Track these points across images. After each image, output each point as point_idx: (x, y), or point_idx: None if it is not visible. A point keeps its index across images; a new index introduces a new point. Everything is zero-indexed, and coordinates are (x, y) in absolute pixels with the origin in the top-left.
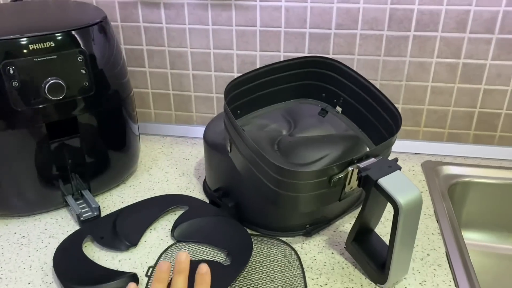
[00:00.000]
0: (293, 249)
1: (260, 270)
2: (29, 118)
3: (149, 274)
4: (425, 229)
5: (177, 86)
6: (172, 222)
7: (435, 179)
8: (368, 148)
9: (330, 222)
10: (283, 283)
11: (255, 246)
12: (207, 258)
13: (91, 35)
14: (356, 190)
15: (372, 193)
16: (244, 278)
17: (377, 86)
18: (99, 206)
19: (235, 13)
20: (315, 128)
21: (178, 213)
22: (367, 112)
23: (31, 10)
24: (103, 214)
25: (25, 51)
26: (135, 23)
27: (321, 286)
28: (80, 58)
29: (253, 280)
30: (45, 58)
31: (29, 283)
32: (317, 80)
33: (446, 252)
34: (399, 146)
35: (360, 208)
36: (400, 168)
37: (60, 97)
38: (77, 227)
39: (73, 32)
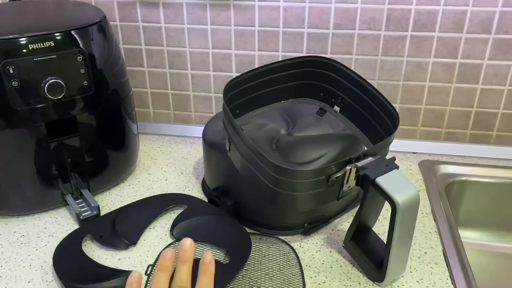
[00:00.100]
0: (291, 247)
1: (259, 269)
2: (28, 118)
3: (148, 272)
4: (422, 228)
5: (175, 85)
6: (171, 221)
7: (432, 178)
8: (366, 147)
9: (328, 221)
10: (282, 281)
11: (254, 245)
12: None
13: (90, 35)
14: (354, 189)
15: (370, 192)
16: (243, 277)
17: (375, 86)
18: (99, 205)
19: (234, 13)
20: (313, 127)
21: (177, 212)
22: (365, 111)
23: (30, 10)
24: (102, 213)
25: (24, 50)
26: (133, 23)
27: (319, 284)
28: (79, 57)
29: (252, 278)
30: (44, 57)
31: (29, 282)
32: (315, 79)
33: (443, 250)
34: (397, 145)
35: (358, 207)
36: (397, 167)
37: (60, 97)
38: (76, 226)
39: (73, 32)
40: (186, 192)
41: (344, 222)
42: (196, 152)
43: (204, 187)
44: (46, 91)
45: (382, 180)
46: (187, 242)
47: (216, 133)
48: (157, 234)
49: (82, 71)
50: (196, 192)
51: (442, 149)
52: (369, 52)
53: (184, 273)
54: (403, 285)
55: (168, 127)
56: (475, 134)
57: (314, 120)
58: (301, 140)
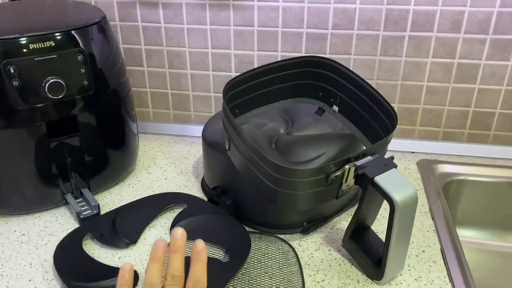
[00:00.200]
0: (290, 246)
1: (259, 267)
2: (29, 117)
3: None
4: (420, 226)
5: (175, 85)
6: (171, 220)
7: (430, 177)
8: (364, 147)
9: (327, 220)
10: (281, 279)
11: (253, 244)
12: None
13: (91, 35)
14: (352, 188)
15: (368, 190)
16: (243, 275)
17: (373, 86)
18: (99, 204)
19: (233, 13)
20: (312, 127)
21: (177, 211)
22: (363, 111)
23: (30, 10)
24: (102, 212)
25: (25, 50)
26: (133, 23)
27: (318, 282)
28: (79, 57)
29: (252, 276)
30: (45, 57)
31: (29, 280)
32: (314, 79)
33: (441, 249)
34: (395, 145)
35: (356, 205)
36: (396, 166)
37: (60, 96)
38: (76, 225)
39: (73, 32)
40: (185, 191)
41: (343, 221)
42: (195, 151)
43: (204, 186)
44: (46, 90)
45: (381, 179)
46: (178, 231)
47: (216, 132)
48: (157, 233)
49: (83, 70)
50: (196, 191)
51: (440, 149)
52: (367, 52)
53: (177, 263)
54: (401, 283)
55: (167, 127)
56: (473, 133)
57: (313, 120)
58: (300, 139)
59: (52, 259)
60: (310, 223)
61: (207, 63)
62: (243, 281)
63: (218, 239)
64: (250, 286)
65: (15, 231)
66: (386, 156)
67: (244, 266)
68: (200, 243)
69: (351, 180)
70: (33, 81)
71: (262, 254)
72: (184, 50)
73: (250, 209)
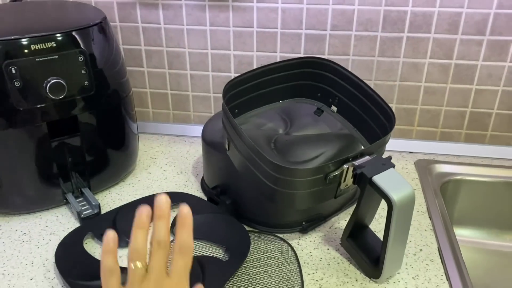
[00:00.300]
0: (289, 245)
1: (258, 266)
2: (30, 117)
3: None
4: (418, 226)
5: (175, 85)
6: (171, 219)
7: (428, 177)
8: (362, 147)
9: (326, 219)
10: (280, 278)
11: (253, 243)
12: (206, 254)
13: (91, 36)
14: (351, 187)
15: (366, 190)
16: (242, 274)
17: (372, 86)
18: (99, 204)
19: (233, 14)
20: (311, 127)
21: (177, 210)
22: (361, 111)
23: (31, 11)
24: (103, 211)
25: (26, 51)
26: (133, 24)
27: (317, 280)
28: (80, 58)
29: (251, 275)
30: (46, 58)
31: (31, 279)
32: (312, 80)
33: (438, 247)
34: (393, 145)
35: (355, 205)
36: (393, 166)
37: (61, 97)
38: (77, 224)
39: (74, 33)
40: (185, 190)
41: (341, 220)
42: (195, 151)
43: (203, 185)
44: (48, 91)
45: (379, 179)
46: (162, 197)
47: (215, 132)
48: None
49: (83, 71)
50: (195, 190)
51: (437, 149)
52: (365, 53)
53: (162, 228)
54: (399, 282)
55: (167, 127)
56: (470, 134)
57: (311, 120)
58: (299, 139)
59: (53, 258)
60: (309, 222)
61: (206, 63)
62: (243, 279)
63: (217, 238)
64: (250, 285)
65: (16, 230)
66: (384, 156)
67: (244, 265)
68: (185, 208)
69: (349, 180)
70: (34, 82)
71: (262, 253)
72: (184, 51)
73: (250, 208)
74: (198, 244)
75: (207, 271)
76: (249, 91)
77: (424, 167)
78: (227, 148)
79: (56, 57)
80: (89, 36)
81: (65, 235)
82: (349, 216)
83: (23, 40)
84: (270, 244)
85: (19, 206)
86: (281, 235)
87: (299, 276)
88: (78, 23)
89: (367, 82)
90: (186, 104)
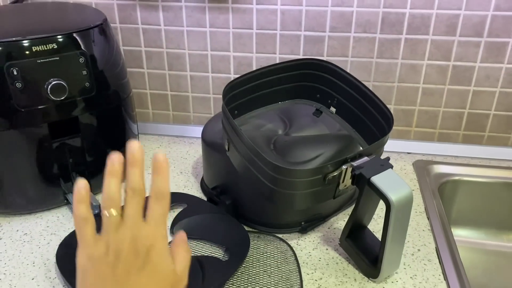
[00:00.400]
0: (289, 245)
1: (257, 266)
2: (31, 118)
3: None
4: (416, 226)
5: (175, 87)
6: (171, 219)
7: (426, 177)
8: (361, 147)
9: (324, 219)
10: (280, 277)
11: (252, 243)
12: (205, 254)
13: (92, 37)
14: (349, 188)
15: (365, 190)
16: (242, 273)
17: (370, 88)
18: (100, 204)
19: (232, 16)
20: (310, 128)
21: (177, 210)
22: (360, 112)
23: (32, 12)
24: None
25: (28, 52)
26: (133, 25)
27: (316, 280)
28: (81, 59)
29: (251, 275)
30: (47, 59)
31: (32, 279)
32: (311, 81)
33: (436, 248)
34: (391, 146)
35: (353, 205)
36: (392, 167)
37: (62, 98)
38: None
39: (75, 34)
40: (185, 191)
41: (340, 221)
42: (194, 152)
43: (203, 186)
44: (49, 92)
45: (377, 179)
46: (135, 144)
47: (215, 133)
48: None
49: (84, 72)
50: (195, 191)
51: (435, 149)
52: (364, 54)
53: (136, 175)
54: (397, 281)
55: (167, 128)
56: (468, 134)
57: (310, 121)
58: (298, 140)
59: (55, 258)
60: (308, 223)
61: (206, 65)
62: (242, 279)
63: (217, 238)
64: (249, 284)
65: (17, 230)
66: (382, 157)
67: (243, 265)
68: (160, 155)
69: (348, 180)
70: (35, 83)
71: (261, 253)
72: (184, 52)
73: (249, 208)
74: (198, 244)
75: (207, 270)
76: (248, 92)
77: (422, 167)
78: (226, 149)
79: (57, 58)
80: (90, 38)
81: (66, 235)
82: (348, 217)
83: (24, 41)
84: (269, 244)
85: (20, 207)
86: (280, 235)
87: (298, 276)
88: (79, 24)
89: (366, 83)
90: (186, 105)
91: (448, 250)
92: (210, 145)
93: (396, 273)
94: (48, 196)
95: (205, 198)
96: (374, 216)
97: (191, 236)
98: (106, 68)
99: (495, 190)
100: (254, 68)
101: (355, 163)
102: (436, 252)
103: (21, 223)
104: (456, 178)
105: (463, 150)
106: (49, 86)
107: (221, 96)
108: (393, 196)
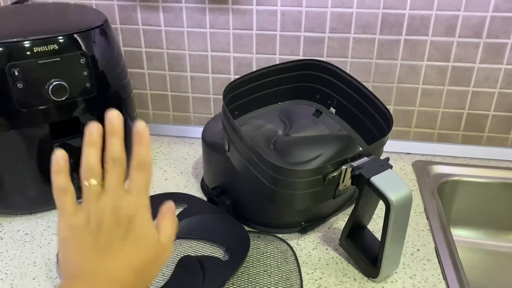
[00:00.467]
0: (289, 245)
1: (258, 265)
2: (32, 119)
3: None
4: (415, 226)
5: (175, 87)
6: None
7: (425, 178)
8: (361, 148)
9: (324, 219)
10: (280, 277)
11: (252, 243)
12: (206, 254)
13: (93, 38)
14: (349, 188)
15: (365, 190)
16: (242, 273)
17: (370, 88)
18: None
19: (232, 17)
20: (310, 128)
21: (178, 210)
22: (359, 113)
23: (33, 13)
24: None
25: (29, 53)
26: (134, 26)
27: (316, 280)
28: (82, 60)
29: (251, 274)
30: (48, 60)
31: (33, 278)
32: (311, 82)
33: (435, 247)
34: (391, 146)
35: (353, 205)
36: (391, 167)
37: (63, 98)
38: None
39: (76, 35)
40: (185, 191)
41: (340, 221)
42: (195, 152)
43: (203, 186)
44: (50, 93)
45: (377, 179)
46: (113, 113)
47: (215, 133)
48: None
49: (85, 73)
50: (196, 191)
51: (435, 150)
52: (364, 55)
53: (116, 145)
54: (396, 281)
55: (167, 128)
56: (467, 135)
57: (310, 121)
58: (298, 140)
59: (56, 257)
60: (308, 223)
61: (206, 65)
62: (243, 279)
63: (218, 238)
64: (250, 284)
65: (18, 230)
66: (382, 157)
67: (244, 265)
68: (141, 124)
69: (348, 181)
70: (36, 84)
71: (261, 253)
72: (184, 53)
73: (249, 209)
74: (198, 244)
75: (207, 270)
76: (248, 92)
77: (421, 168)
78: (227, 149)
79: (58, 59)
80: (90, 39)
81: None
82: (348, 217)
83: (25, 42)
84: (269, 244)
85: (21, 207)
86: (280, 235)
87: (298, 276)
88: (80, 25)
89: (365, 84)
90: (186, 105)
91: (447, 250)
92: (210, 145)
93: (395, 273)
94: (49, 196)
95: (205, 198)
96: (374, 216)
97: (191, 236)
98: (107, 69)
99: (494, 191)
100: (254, 69)
101: (354, 164)
102: (436, 252)
103: (22, 223)
104: (455, 178)
105: (462, 150)
106: (50, 87)
107: (221, 96)
108: (392, 196)
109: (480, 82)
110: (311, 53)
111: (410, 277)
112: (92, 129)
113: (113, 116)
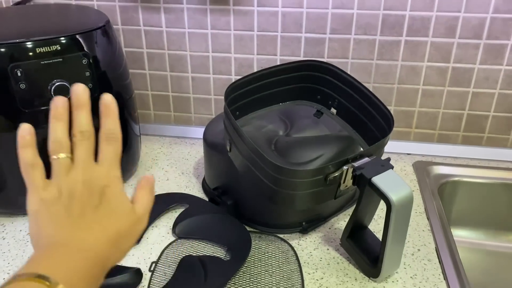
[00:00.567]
0: (290, 245)
1: (259, 265)
2: (35, 119)
3: (152, 269)
4: (416, 226)
5: (176, 88)
6: (173, 219)
7: (426, 178)
8: (361, 148)
9: (325, 220)
10: (281, 277)
11: (254, 243)
12: (207, 254)
13: (95, 39)
14: (350, 188)
15: (366, 191)
16: (244, 273)
17: (370, 89)
18: None
19: (233, 18)
20: (311, 129)
21: (179, 210)
22: (360, 113)
23: (35, 14)
24: None
25: (31, 54)
26: (135, 27)
27: (317, 280)
28: (84, 61)
29: (252, 274)
30: (51, 61)
31: None
32: (312, 83)
33: (436, 248)
34: (392, 147)
35: (354, 206)
36: (392, 167)
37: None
38: None
39: (78, 36)
40: (187, 191)
41: (341, 221)
42: (196, 152)
43: (205, 186)
44: (52, 93)
45: (378, 180)
46: (79, 86)
47: (216, 134)
48: (159, 232)
49: (87, 73)
50: (197, 191)
51: (435, 150)
52: (364, 56)
53: (83, 117)
54: (397, 281)
55: (168, 129)
56: (467, 136)
57: (311, 122)
58: (299, 141)
59: None
60: (309, 223)
61: (207, 66)
62: (244, 279)
63: (219, 238)
64: (251, 284)
65: (20, 230)
66: (383, 158)
67: (245, 265)
68: (107, 96)
69: (349, 181)
70: (39, 84)
71: (263, 253)
72: (185, 54)
73: (251, 209)
74: (200, 244)
75: (209, 270)
76: (250, 93)
77: (422, 168)
78: (228, 150)
79: (61, 60)
80: (92, 39)
81: None
82: (349, 217)
83: (28, 43)
84: (271, 244)
85: (23, 207)
86: (281, 236)
87: (300, 276)
88: (82, 26)
89: (366, 85)
90: (187, 106)
91: (448, 250)
92: (211, 145)
93: (396, 272)
94: None
95: (206, 199)
96: (375, 216)
97: (193, 236)
98: (108, 70)
99: (494, 191)
100: (255, 70)
101: (356, 164)
102: (436, 252)
103: (24, 223)
104: (456, 179)
105: (462, 151)
106: (53, 87)
107: (222, 97)
108: (393, 196)
109: (480, 83)
110: (312, 54)
111: (411, 277)
112: (58, 103)
113: (79, 89)
